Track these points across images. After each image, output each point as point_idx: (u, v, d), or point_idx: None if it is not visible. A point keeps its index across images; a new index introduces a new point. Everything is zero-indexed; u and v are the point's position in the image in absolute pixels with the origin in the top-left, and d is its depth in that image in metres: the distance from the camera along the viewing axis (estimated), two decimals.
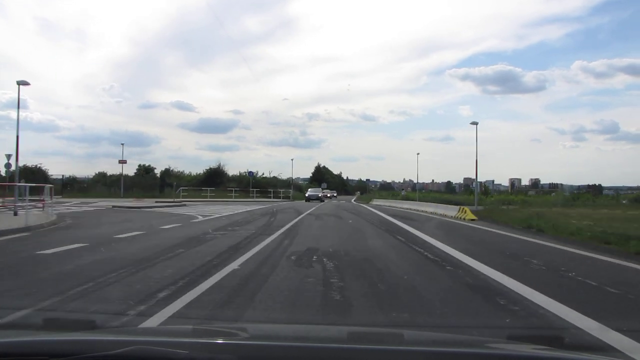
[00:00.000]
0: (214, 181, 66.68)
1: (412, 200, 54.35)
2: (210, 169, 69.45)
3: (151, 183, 66.49)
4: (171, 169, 73.89)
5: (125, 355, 1.68)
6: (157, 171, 72.56)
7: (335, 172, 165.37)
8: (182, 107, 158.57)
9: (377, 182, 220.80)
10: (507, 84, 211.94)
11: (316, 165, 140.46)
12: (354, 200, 73.96)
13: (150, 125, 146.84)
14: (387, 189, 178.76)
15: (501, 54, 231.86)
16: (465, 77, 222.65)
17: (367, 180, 69.72)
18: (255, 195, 58.63)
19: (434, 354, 1.93)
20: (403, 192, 65.06)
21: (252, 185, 61.95)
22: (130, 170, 69.62)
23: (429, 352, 1.97)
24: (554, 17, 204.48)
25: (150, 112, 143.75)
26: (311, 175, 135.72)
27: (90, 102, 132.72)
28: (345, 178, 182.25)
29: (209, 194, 54.30)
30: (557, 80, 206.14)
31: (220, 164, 71.80)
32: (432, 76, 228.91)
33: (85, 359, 1.68)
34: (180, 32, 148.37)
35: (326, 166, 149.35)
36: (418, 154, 63.03)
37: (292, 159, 73.08)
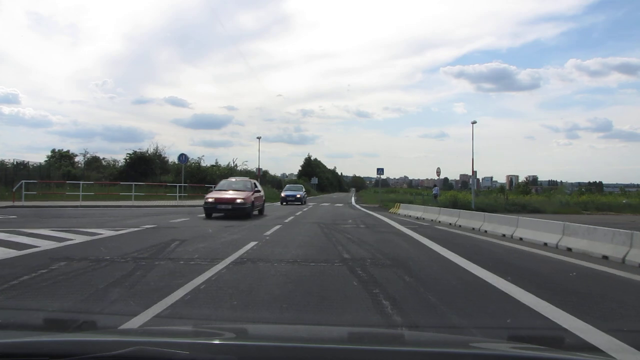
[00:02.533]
0: (139, 172, 41.29)
1: (467, 207, 29.20)
2: (135, 153, 43.72)
3: (56, 174, 41.39)
4: (101, 157, 48.32)
5: (125, 355, 1.60)
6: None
7: (329, 168, 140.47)
8: (176, 102, 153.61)
9: (372, 178, 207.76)
10: (502, 81, 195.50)
11: (306, 157, 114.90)
12: (355, 202, 48.64)
13: (144, 120, 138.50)
14: (383, 186, 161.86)
15: (496, 51, 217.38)
16: (459, 75, 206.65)
17: (381, 170, 41.17)
18: (185, 193, 33.33)
19: (434, 354, 1.83)
20: (436, 190, 39.31)
21: (187, 178, 36.66)
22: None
23: (429, 353, 1.86)
24: (549, 15, 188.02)
25: (143, 108, 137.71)
26: (300, 168, 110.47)
27: (84, 97, 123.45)
28: (339, 174, 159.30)
29: (82, 192, 28.69)
30: (552, 79, 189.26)
31: (157, 147, 46.10)
32: (426, 73, 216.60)
33: (85, 359, 1.59)
34: (175, 27, 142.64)
35: (320, 161, 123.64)
36: (476, 123, 37.02)
37: (258, 137, 45.62)
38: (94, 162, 48.34)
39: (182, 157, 33.18)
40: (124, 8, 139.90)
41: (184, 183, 33.42)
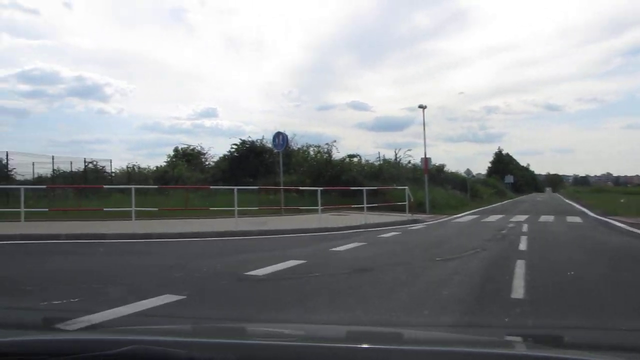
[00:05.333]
0: (247, 170, 27.09)
1: None
2: (243, 143, 28.81)
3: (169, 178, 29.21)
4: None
5: (124, 354, 1.54)
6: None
7: (522, 165, 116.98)
8: (358, 107, 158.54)
9: (568, 176, 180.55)
10: None
11: (496, 152, 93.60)
12: (589, 212, 28.96)
13: (329, 126, 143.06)
14: (582, 184, 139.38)
15: None
16: None
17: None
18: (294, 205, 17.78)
19: (433, 353, 1.75)
20: None
21: (311, 176, 21.00)
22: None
23: (429, 352, 1.78)
24: None
25: (327, 114, 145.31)
26: (489, 166, 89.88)
27: (272, 107, 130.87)
28: (533, 172, 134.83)
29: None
30: None
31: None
32: (627, 56, 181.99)
33: (85, 358, 1.56)
34: (352, 34, 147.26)
35: (512, 156, 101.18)
36: None
37: (421, 106, 28.71)
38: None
39: (279, 139, 17.70)
40: (303, 21, 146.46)
41: (283, 185, 17.94)
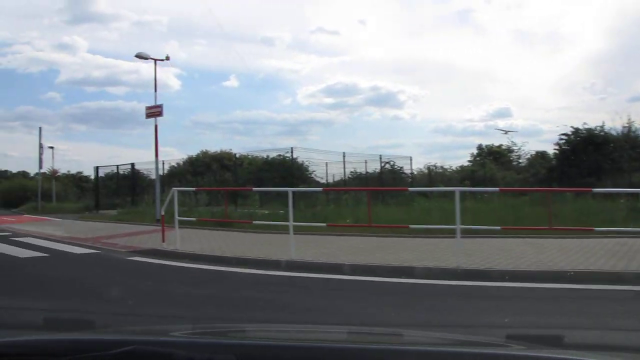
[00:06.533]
0: (583, 166, 20.26)
1: None
2: (576, 133, 21.28)
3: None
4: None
5: (124, 354, 1.45)
6: None
7: None
8: None
9: None
10: None
11: None
12: None
13: None
14: None
15: None
16: None
17: None
18: None
19: (433, 353, 1.66)
20: None
21: None
22: None
23: (429, 352, 1.69)
24: None
25: None
26: None
27: (570, 102, 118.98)
28: None
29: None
30: None
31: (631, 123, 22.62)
32: None
33: (84, 358, 1.47)
34: None
35: None
36: None
37: None
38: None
39: None
40: (603, 3, 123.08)
41: None
